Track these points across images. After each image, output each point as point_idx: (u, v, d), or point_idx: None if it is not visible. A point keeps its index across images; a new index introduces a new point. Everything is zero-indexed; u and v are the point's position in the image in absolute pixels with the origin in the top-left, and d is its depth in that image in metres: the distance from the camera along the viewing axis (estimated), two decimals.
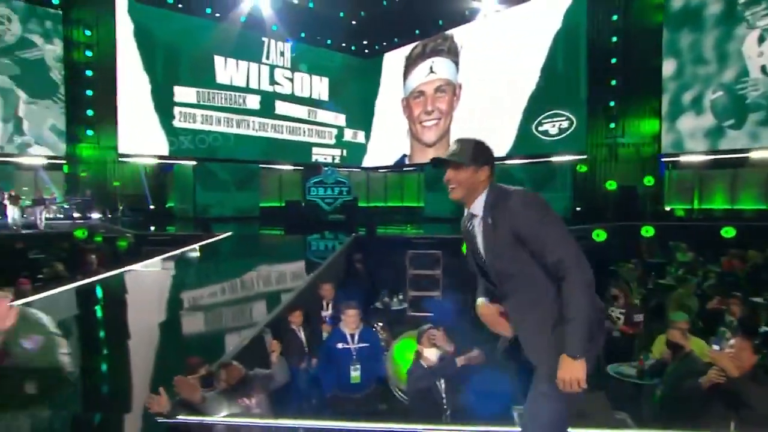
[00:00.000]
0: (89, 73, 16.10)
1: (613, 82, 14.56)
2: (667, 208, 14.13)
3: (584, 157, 14.94)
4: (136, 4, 16.42)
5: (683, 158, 13.91)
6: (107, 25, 16.06)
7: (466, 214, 1.75)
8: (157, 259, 7.02)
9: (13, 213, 12.22)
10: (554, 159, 15.41)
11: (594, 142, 14.95)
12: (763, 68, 12.20)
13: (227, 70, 18.24)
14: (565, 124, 15.20)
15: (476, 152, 1.66)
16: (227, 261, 8.51)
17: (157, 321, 4.27)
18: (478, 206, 1.67)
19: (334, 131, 21.28)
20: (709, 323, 4.77)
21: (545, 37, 15.53)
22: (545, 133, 15.64)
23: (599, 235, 11.18)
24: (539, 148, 15.57)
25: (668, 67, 13.81)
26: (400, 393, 3.72)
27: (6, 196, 12.47)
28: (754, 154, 12.69)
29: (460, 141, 1.71)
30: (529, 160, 15.88)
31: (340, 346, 3.61)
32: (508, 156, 16.31)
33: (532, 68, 15.72)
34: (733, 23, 12.64)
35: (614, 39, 14.46)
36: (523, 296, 1.60)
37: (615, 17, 14.45)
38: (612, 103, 14.64)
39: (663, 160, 14.15)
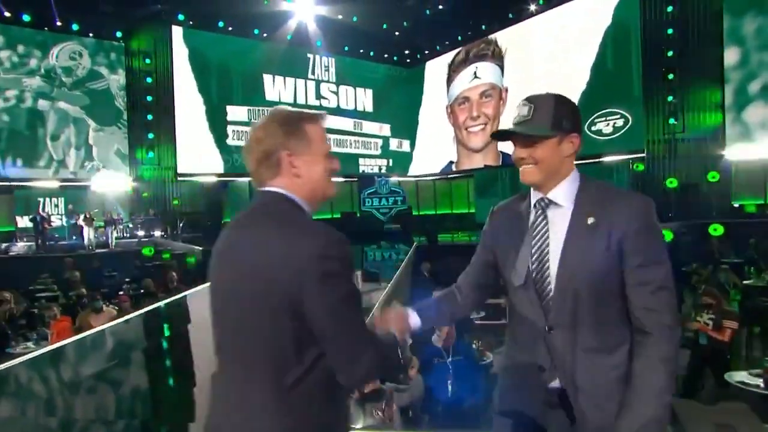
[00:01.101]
0: (149, 98, 17.05)
1: (671, 76, 13.98)
2: (736, 204, 13.37)
3: (642, 155, 14.40)
4: (190, 30, 17.29)
5: (752, 150, 13.13)
6: (164, 52, 16.98)
7: (524, 201, 1.30)
8: None
9: (88, 234, 13.05)
10: (609, 158, 14.93)
11: (652, 139, 14.38)
12: None
13: (275, 87, 18.85)
14: (619, 123, 14.72)
15: (559, 113, 1.18)
16: None
17: None
18: (562, 194, 1.22)
19: (380, 141, 21.52)
20: None
21: (594, 34, 15.15)
22: (599, 132, 15.19)
23: (664, 236, 10.74)
24: (593, 148, 15.11)
25: (731, 55, 13.14)
26: None
27: (81, 218, 13.33)
28: None
29: (534, 100, 1.21)
30: (583, 161, 15.45)
31: (435, 361, 3.63)
32: None
33: (581, 67, 15.35)
34: None
35: (670, 31, 13.90)
36: (600, 332, 1.16)
37: (670, 8, 13.91)
38: (670, 98, 14.06)
39: (728, 153, 13.43)
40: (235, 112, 18.04)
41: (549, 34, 16.17)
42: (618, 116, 14.73)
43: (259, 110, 18.43)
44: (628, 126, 14.59)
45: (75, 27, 15.94)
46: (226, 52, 17.69)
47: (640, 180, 14.57)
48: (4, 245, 13.13)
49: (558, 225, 1.21)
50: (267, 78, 18.65)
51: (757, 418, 2.79)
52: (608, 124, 14.93)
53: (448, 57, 19.22)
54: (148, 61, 17.02)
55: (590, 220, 1.16)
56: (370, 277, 9.05)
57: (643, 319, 1.12)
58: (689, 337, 5.00)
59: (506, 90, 17.15)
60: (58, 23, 15.57)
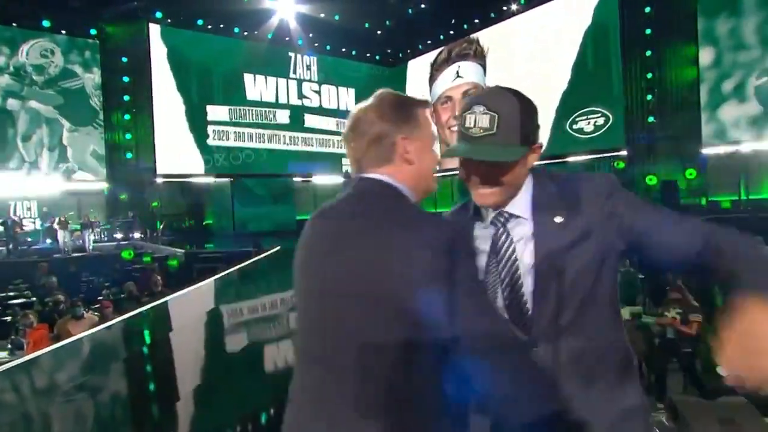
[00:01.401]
0: (126, 98, 16.60)
1: (649, 75, 14.27)
2: (712, 200, 13.72)
3: (622, 153, 14.65)
4: (168, 28, 16.90)
5: (727, 148, 13.49)
6: (141, 50, 16.54)
7: (470, 214, 1.12)
8: (222, 275, 7.09)
9: (63, 237, 12.63)
10: (591, 156, 15.16)
11: (632, 137, 14.65)
12: None
13: (257, 86, 18.56)
14: (600, 121, 14.94)
15: (526, 122, 0.98)
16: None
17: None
18: (523, 204, 1.04)
19: None
20: None
21: (575, 33, 15.35)
22: (580, 130, 15.41)
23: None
24: (575, 146, 15.33)
25: (705, 55, 13.47)
26: None
27: (56, 221, 12.89)
28: None
29: (495, 105, 0.96)
30: (564, 159, 15.65)
31: None
32: (543, 156, 16.08)
33: (563, 66, 15.54)
34: None
35: (648, 31, 14.19)
36: (595, 344, 0.99)
37: (648, 9, 14.19)
38: (649, 97, 14.35)
39: (705, 151, 13.77)
40: (216, 112, 17.71)
41: (530, 33, 16.33)
42: (599, 115, 14.96)
43: (239, 110, 18.14)
44: (608, 124, 14.83)
45: (46, 23, 15.39)
46: (205, 51, 17.34)
47: (621, 177, 14.72)
48: None
49: (524, 238, 1.03)
50: (248, 77, 18.36)
51: (757, 411, 2.80)
52: (589, 123, 15.15)
53: (430, 56, 18.78)
54: (124, 59, 16.56)
55: (558, 219, 1.01)
56: None
57: (707, 259, 0.89)
58: (659, 332, 5.14)
59: None
60: (28, 19, 15.01)
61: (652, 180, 14.14)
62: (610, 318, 1.03)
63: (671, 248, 0.96)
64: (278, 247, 10.54)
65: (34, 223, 14.62)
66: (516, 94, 1.01)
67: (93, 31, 16.24)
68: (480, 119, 0.96)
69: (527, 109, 0.99)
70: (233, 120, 18.00)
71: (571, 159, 15.39)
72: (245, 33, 18.13)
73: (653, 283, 8.03)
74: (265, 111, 18.69)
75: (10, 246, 12.48)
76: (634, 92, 14.48)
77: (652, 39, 14.22)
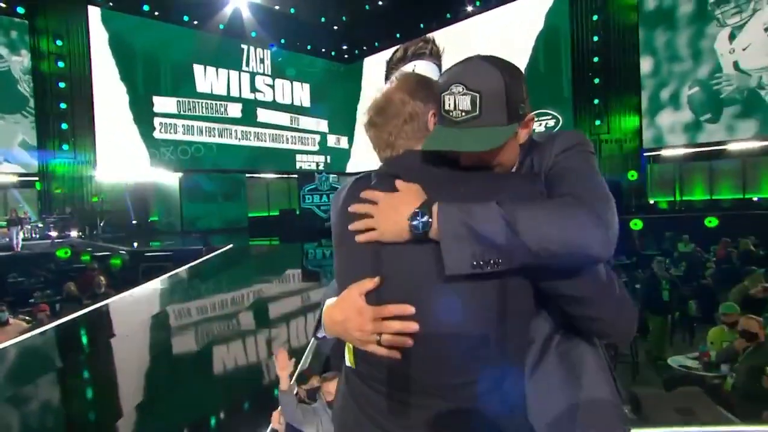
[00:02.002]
0: (62, 84, 15.41)
1: (596, 81, 14.97)
2: (651, 201, 14.61)
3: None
4: (110, 12, 15.84)
5: (664, 152, 14.41)
6: (79, 34, 15.41)
7: None
8: (169, 275, 6.71)
9: None
10: None
11: None
12: (735, 64, 12.79)
13: (207, 78, 17.81)
14: (551, 123, 15.53)
15: (514, 95, 0.87)
16: (263, 273, 8.20)
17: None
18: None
19: (317, 137, 21.09)
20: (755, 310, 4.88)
21: (528, 37, 15.85)
22: (532, 132, 15.93)
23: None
24: None
25: (645, 64, 14.31)
26: None
27: None
28: (731, 146, 13.27)
29: (475, 81, 0.86)
30: None
31: None
32: None
33: None
34: (704, 22, 13.22)
35: (595, 38, 14.88)
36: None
37: (595, 17, 14.87)
38: (596, 101, 15.05)
39: (645, 154, 14.63)
40: (163, 104, 16.81)
41: (485, 35, 16.69)
42: (550, 117, 15.54)
43: (189, 102, 17.32)
44: (558, 126, 15.44)
45: None
46: (152, 39, 16.41)
47: None
48: None
49: None
50: (198, 68, 17.58)
51: (710, 400, 2.95)
52: (541, 125, 15.69)
53: (386, 54, 19.09)
54: (59, 42, 15.36)
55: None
56: (310, 276, 8.79)
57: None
58: None
59: None
60: None
61: None
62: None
63: None
64: (230, 245, 10.19)
65: None
66: (498, 63, 0.88)
67: (20, 10, 14.92)
68: (460, 101, 0.86)
69: (513, 80, 0.87)
70: (182, 112, 17.18)
71: None
72: (195, 22, 17.35)
73: None
74: (216, 104, 17.98)
75: None
76: (582, 96, 15.15)
77: (598, 46, 14.92)
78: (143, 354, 3.90)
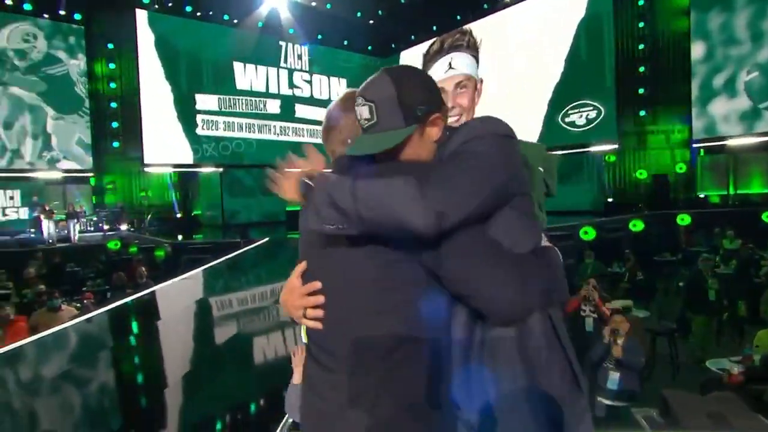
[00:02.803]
0: (113, 85, 16.26)
1: (642, 69, 14.25)
2: (701, 195, 13.81)
3: (614, 146, 14.65)
4: (156, 14, 16.52)
5: (716, 143, 13.55)
6: (128, 37, 16.16)
7: None
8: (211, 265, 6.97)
9: (48, 227, 12.37)
10: (583, 150, 15.15)
11: (624, 131, 14.64)
12: None
13: (246, 75, 18.27)
14: (593, 114, 14.91)
15: (407, 99, 0.94)
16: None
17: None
18: None
19: None
20: None
21: (569, 26, 15.26)
22: (572, 124, 15.38)
23: (636, 225, 10.99)
24: (567, 140, 15.30)
25: (697, 50, 13.47)
26: None
27: (41, 210, 12.62)
28: None
29: (370, 93, 0.96)
30: (555, 152, 15.62)
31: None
32: None
33: (556, 59, 15.45)
34: (765, 0, 12.28)
35: (641, 24, 14.16)
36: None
37: (641, 2, 14.14)
38: (641, 90, 14.34)
39: (695, 146, 13.83)
40: (205, 101, 17.40)
41: (523, 25, 16.21)
42: (591, 108, 14.93)
43: (229, 99, 17.85)
44: (600, 118, 14.81)
45: (27, 7, 14.96)
46: (194, 39, 16.99)
47: (612, 171, 14.91)
48: None
49: None
50: (237, 66, 18.06)
51: (746, 406, 2.78)
52: (581, 116, 15.11)
53: (423, 47, 18.86)
54: (110, 45, 16.20)
55: None
56: None
57: None
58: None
59: (481, 81, 16.97)
60: (8, 2, 14.58)
61: (642, 174, 14.19)
62: None
63: None
64: (266, 239, 10.45)
65: (17, 212, 14.33)
66: (394, 73, 0.98)
67: (77, 16, 15.83)
68: (362, 111, 0.98)
69: (408, 85, 0.96)
70: (223, 109, 17.72)
71: (562, 152, 15.38)
72: (235, 21, 17.79)
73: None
74: (255, 100, 18.42)
75: None
76: (627, 85, 14.45)
77: (644, 32, 14.19)
78: (174, 341, 4.10)
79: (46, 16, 15.29)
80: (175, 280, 5.76)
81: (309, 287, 1.01)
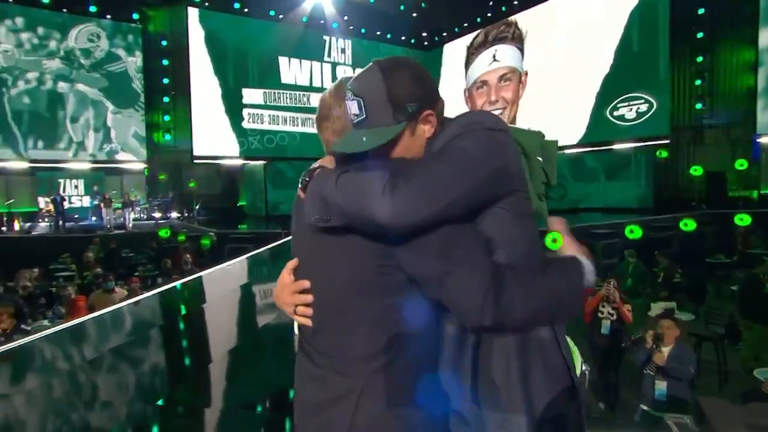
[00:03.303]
0: (166, 80, 17.06)
1: (699, 59, 13.43)
2: (765, 194, 12.90)
3: (666, 141, 13.92)
4: (206, 11, 17.17)
5: None
6: (181, 34, 16.91)
7: None
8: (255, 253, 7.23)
9: (106, 215, 13.21)
10: (631, 145, 14.49)
11: (677, 125, 13.88)
12: None
13: (291, 70, 18.68)
14: (643, 108, 14.22)
15: (398, 94, 0.91)
16: None
17: None
18: None
19: None
20: None
21: (619, 15, 14.58)
22: (621, 117, 14.73)
23: (688, 225, 10.43)
24: (614, 134, 14.70)
25: (766, 37, 12.53)
26: None
27: (100, 199, 13.50)
28: None
29: (359, 87, 0.93)
30: (603, 148, 15.04)
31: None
32: (580, 143, 15.54)
33: (605, 50, 14.82)
34: None
35: (701, 11, 13.31)
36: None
37: None
38: (698, 82, 13.53)
39: (758, 141, 12.91)
40: (251, 95, 17.96)
41: (571, 15, 15.63)
42: (642, 101, 14.24)
43: (274, 93, 18.32)
44: (652, 111, 14.10)
45: (93, 8, 15.94)
46: (241, 34, 17.55)
47: (663, 168, 14.16)
48: (27, 225, 13.38)
49: None
50: (282, 60, 18.50)
51: None
52: (631, 109, 14.45)
53: (467, 39, 18.63)
54: (164, 42, 16.99)
55: None
56: None
57: None
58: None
59: (526, 74, 16.52)
60: (76, 5, 15.59)
61: (697, 171, 13.39)
62: None
63: None
64: None
65: (80, 200, 15.39)
66: (386, 66, 0.93)
67: (136, 16, 16.71)
68: (351, 105, 0.94)
69: (399, 80, 0.91)
70: (268, 103, 18.22)
71: (609, 147, 14.80)
72: (280, 16, 18.20)
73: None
74: (299, 94, 18.81)
75: (59, 222, 13.21)
76: (682, 77, 13.67)
77: (704, 19, 13.34)
78: (215, 322, 4.33)
79: (108, 16, 16.24)
80: (216, 268, 6.05)
81: (298, 285, 1.02)
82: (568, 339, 3.76)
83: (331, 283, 0.96)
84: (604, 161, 14.28)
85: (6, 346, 3.17)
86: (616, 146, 14.62)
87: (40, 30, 15.28)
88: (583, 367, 3.96)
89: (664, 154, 14.04)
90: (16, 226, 13.05)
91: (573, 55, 15.47)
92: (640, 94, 14.26)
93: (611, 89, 14.75)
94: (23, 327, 5.09)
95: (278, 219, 14.50)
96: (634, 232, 9.86)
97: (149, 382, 3.35)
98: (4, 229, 12.85)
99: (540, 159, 1.19)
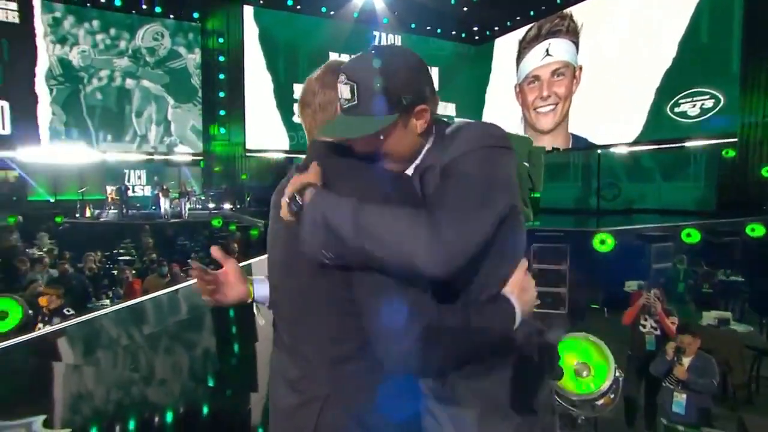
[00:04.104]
0: (221, 76, 17.83)
1: None
2: None
3: (734, 140, 12.96)
4: (261, 9, 17.78)
5: None
6: (236, 31, 17.62)
7: None
8: None
9: (164, 204, 14.04)
10: (694, 143, 13.61)
11: (748, 122, 12.86)
12: None
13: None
14: (708, 104, 13.30)
15: (392, 86, 0.89)
16: None
17: None
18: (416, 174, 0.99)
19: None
20: None
21: (686, 5, 13.69)
22: (683, 114, 13.84)
23: (755, 230, 9.71)
24: (675, 132, 13.85)
25: None
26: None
27: (160, 189, 14.37)
28: None
29: (354, 73, 0.90)
30: (662, 146, 14.22)
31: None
32: (637, 141, 14.77)
33: (667, 42, 13.96)
34: None
35: None
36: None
37: None
38: None
39: None
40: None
41: (630, 6, 14.82)
42: (707, 96, 13.32)
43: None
44: (718, 107, 13.16)
45: (158, 9, 16.94)
46: (293, 31, 18.03)
47: (730, 168, 13.18)
48: (96, 212, 14.47)
49: None
50: (333, 56, 18.74)
51: None
52: (695, 106, 13.54)
53: (519, 33, 18.28)
54: (221, 40, 17.76)
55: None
56: None
57: None
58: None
59: (580, 68, 16.03)
60: (144, 6, 16.63)
61: None
62: None
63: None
64: None
65: (143, 190, 16.47)
66: (385, 54, 0.91)
67: (196, 15, 17.57)
68: (343, 89, 0.91)
69: (396, 70, 0.89)
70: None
71: (669, 146, 13.97)
72: (332, 12, 18.50)
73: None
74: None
75: (123, 209, 14.21)
76: (754, 71, 12.63)
77: None
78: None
79: (171, 16, 17.20)
80: (258, 258, 6.31)
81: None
82: (602, 343, 3.60)
83: (302, 290, 0.95)
84: (661, 160, 13.50)
85: (66, 323, 3.51)
86: (677, 144, 13.77)
87: (113, 31, 16.43)
88: (617, 374, 3.82)
89: (732, 153, 13.07)
90: (87, 212, 14.14)
91: (631, 48, 14.69)
92: (705, 89, 13.33)
93: (673, 84, 13.89)
94: (89, 306, 5.57)
95: None
96: (691, 236, 9.29)
97: (195, 363, 3.60)
98: (77, 215, 13.97)
99: (527, 165, 1.18)
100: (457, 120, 1.02)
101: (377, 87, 0.88)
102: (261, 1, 17.74)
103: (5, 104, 15.02)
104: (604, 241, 7.58)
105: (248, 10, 17.63)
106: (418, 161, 0.97)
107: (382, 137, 0.91)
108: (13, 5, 14.85)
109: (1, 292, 5.20)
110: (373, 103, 0.88)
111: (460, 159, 0.88)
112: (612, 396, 3.78)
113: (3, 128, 15.11)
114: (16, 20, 14.97)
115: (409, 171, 0.98)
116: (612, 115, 15.06)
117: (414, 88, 0.91)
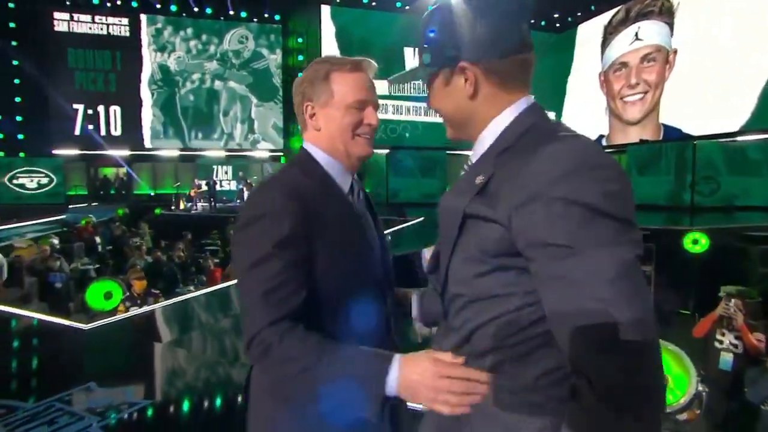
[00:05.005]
0: (300, 75, 18.55)
1: None
2: None
3: None
4: (337, 8, 18.25)
5: None
6: (314, 31, 18.25)
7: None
8: None
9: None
10: None
11: None
12: None
13: (416, 60, 18.89)
14: None
15: (439, 33, 0.82)
16: None
17: None
18: (477, 150, 0.86)
19: None
20: None
21: None
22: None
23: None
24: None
25: None
26: None
27: (244, 184, 15.35)
28: None
29: (426, 16, 0.86)
30: (755, 137, 12.58)
31: None
32: (743, 131, 13.20)
33: None
34: None
35: None
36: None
37: None
38: None
39: None
40: (377, 86, 18.58)
41: None
42: None
43: (398, 84, 18.77)
44: None
45: (243, 14, 18.05)
46: (369, 27, 18.27)
47: None
48: (189, 204, 15.82)
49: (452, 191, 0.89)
50: (408, 51, 18.83)
51: None
52: None
53: (604, 18, 17.05)
54: (300, 39, 18.51)
55: (479, 179, 0.78)
56: None
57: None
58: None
59: (675, 52, 14.58)
60: (231, 12, 17.81)
61: None
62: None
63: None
64: (422, 218, 10.89)
65: (229, 184, 17.72)
66: (447, 5, 0.82)
67: (277, 17, 18.47)
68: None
69: (453, 20, 0.80)
70: (392, 94, 18.77)
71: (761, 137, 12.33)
72: (407, 7, 18.52)
73: None
74: (423, 85, 19.00)
75: (212, 202, 15.38)
76: None
77: None
78: None
79: (255, 20, 18.24)
80: None
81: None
82: (681, 352, 3.33)
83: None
84: (736, 156, 11.95)
85: (157, 305, 3.90)
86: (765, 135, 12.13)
87: (204, 37, 17.80)
88: (699, 387, 3.48)
89: None
90: (181, 205, 15.49)
91: (737, 26, 13.11)
92: None
93: None
94: (177, 290, 6.12)
95: (395, 206, 15.02)
96: None
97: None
98: (173, 207, 15.36)
99: None
100: (556, 124, 0.84)
101: (427, 36, 0.85)
102: (338, 1, 18.20)
103: (118, 108, 16.95)
104: (697, 241, 6.92)
105: (325, 10, 18.18)
106: (490, 142, 0.83)
107: (431, 91, 0.89)
108: (125, 20, 16.72)
109: (114, 275, 5.92)
110: (426, 51, 0.85)
111: (547, 211, 0.68)
112: (697, 411, 3.46)
113: (116, 130, 17.07)
114: (127, 34, 16.83)
115: (481, 148, 0.84)
116: (714, 103, 13.60)
117: (462, 42, 0.80)
